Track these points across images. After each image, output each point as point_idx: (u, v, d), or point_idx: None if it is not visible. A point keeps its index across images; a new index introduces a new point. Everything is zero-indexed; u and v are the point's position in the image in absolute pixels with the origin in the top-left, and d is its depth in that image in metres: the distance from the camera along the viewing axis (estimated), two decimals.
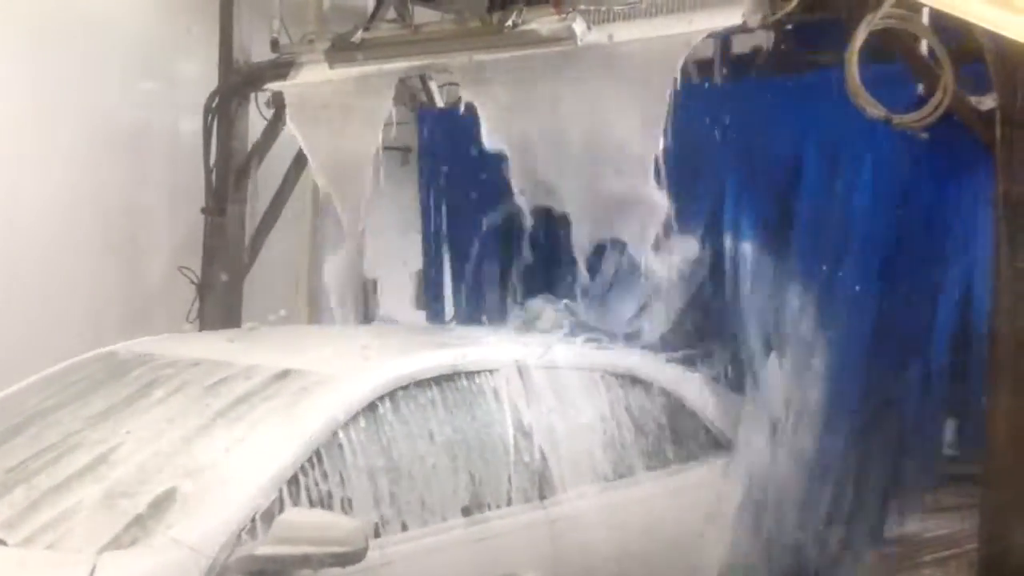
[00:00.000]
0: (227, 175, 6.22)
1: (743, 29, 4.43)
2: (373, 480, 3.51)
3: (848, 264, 4.52)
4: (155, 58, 6.40)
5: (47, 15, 5.88)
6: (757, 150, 4.76)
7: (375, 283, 6.57)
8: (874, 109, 4.17)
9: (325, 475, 3.39)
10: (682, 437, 4.46)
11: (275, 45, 5.93)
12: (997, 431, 4.23)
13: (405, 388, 3.75)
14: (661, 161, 4.49)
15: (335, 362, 3.93)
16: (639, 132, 4.58)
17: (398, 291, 6.22)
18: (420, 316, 6.12)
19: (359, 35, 5.37)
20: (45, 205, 5.91)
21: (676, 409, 4.49)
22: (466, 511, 3.71)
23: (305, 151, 5.80)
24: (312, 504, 3.34)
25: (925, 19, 4.18)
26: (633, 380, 4.43)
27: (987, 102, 4.32)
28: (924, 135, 4.22)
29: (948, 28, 4.14)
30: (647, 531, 4.19)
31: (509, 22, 4.84)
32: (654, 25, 4.53)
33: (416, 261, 6.03)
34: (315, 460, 3.39)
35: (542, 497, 3.90)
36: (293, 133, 5.77)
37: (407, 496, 3.59)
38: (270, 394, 3.67)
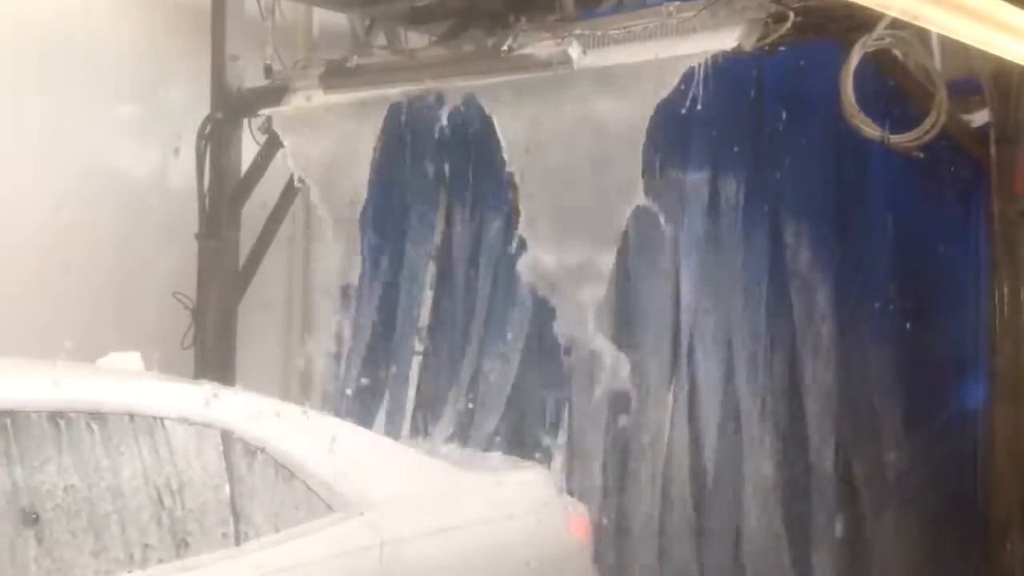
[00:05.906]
0: (221, 200, 6.22)
1: (737, 52, 4.47)
2: None
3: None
4: (147, 85, 6.39)
5: (36, 46, 5.87)
6: None
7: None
8: (870, 129, 4.22)
9: None
10: (262, 505, 3.34)
11: (268, 71, 5.97)
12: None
13: None
14: None
15: None
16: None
17: None
18: None
19: (354, 60, 5.39)
20: (39, 235, 5.88)
21: (260, 467, 3.37)
22: None
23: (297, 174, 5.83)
24: None
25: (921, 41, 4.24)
26: (190, 430, 3.27)
27: (977, 120, 4.39)
28: (919, 155, 4.27)
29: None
30: None
31: (505, 47, 4.87)
32: (650, 48, 4.57)
33: None
34: None
35: None
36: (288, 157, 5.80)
37: None
38: None
